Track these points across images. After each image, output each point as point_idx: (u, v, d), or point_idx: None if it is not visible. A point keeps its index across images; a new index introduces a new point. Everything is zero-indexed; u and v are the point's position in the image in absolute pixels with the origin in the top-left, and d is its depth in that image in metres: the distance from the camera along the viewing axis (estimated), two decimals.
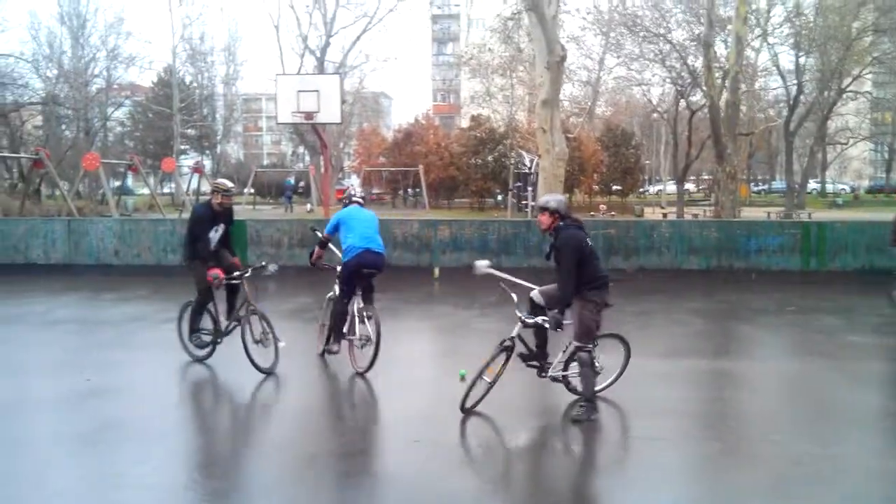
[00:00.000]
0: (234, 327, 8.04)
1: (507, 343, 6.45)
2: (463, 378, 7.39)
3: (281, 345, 7.85)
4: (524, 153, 35.27)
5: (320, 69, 45.44)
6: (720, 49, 31.57)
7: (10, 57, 42.07)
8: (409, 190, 49.28)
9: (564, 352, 6.73)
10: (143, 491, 5.22)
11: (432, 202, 44.35)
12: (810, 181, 54.69)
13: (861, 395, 7.48)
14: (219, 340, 8.24)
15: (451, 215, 34.45)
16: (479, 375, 6.39)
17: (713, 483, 5.46)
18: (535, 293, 6.75)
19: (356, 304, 8.00)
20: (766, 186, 70.04)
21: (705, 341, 10.19)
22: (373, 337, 7.72)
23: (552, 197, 6.75)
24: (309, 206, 43.28)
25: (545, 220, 6.54)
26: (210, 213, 8.21)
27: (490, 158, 42.33)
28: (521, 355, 6.69)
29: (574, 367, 6.67)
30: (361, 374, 7.80)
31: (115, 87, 53.17)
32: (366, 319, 7.86)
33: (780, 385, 8.00)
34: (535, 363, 6.76)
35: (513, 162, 36.77)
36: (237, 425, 6.84)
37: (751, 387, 7.92)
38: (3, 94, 41.16)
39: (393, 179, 48.20)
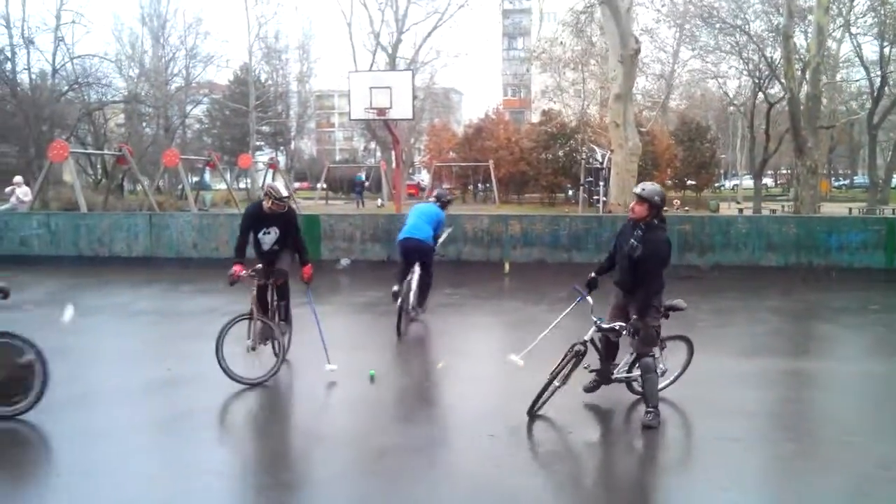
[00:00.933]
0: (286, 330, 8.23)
1: (580, 348, 6.25)
2: (372, 378, 7.49)
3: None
4: (596, 147, 34.89)
5: (392, 65, 45.73)
6: (800, 40, 30.58)
7: (95, 57, 43.54)
8: (479, 185, 49.28)
9: (631, 354, 6.58)
10: (215, 478, 5.39)
11: (502, 197, 44.28)
12: (895, 176, 52.61)
13: None
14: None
15: (522, 210, 34.30)
16: (552, 381, 6.24)
17: (791, 485, 5.33)
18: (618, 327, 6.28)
19: (411, 277, 9.78)
20: (847, 181, 67.71)
21: (783, 340, 9.91)
22: (409, 303, 9.77)
23: (654, 189, 6.31)
24: (380, 201, 43.66)
25: (641, 211, 6.16)
26: (257, 213, 8.13)
27: (561, 153, 41.98)
28: (594, 370, 6.57)
29: (638, 370, 6.56)
30: (398, 336, 9.41)
31: (194, 85, 54.37)
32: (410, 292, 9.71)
33: (862, 386, 7.74)
34: (601, 369, 6.61)
35: (584, 156, 36.41)
36: (308, 417, 6.96)
37: (831, 388, 7.69)
38: (89, 92, 42.65)
39: (463, 174, 48.23)
